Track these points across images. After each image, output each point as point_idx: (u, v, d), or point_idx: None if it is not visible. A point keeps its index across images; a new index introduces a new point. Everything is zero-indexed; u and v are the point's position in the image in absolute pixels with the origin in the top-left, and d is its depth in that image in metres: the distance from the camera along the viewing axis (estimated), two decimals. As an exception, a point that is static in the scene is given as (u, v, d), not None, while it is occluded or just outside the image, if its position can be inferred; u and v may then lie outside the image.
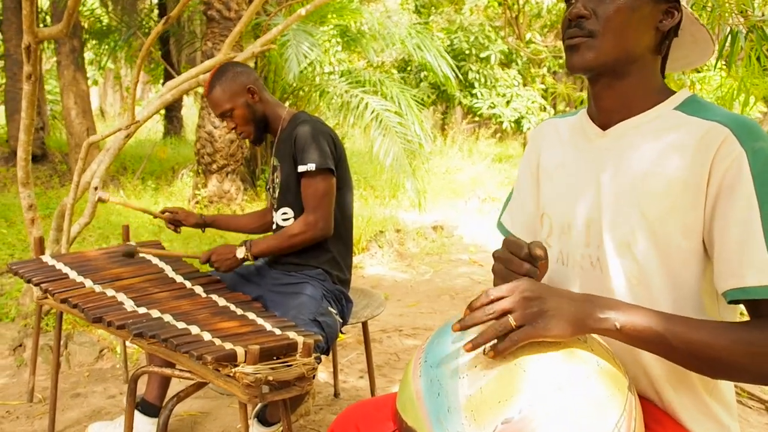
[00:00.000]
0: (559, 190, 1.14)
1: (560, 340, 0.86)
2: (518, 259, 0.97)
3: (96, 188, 3.02)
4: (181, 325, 1.60)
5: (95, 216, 3.10)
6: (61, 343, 2.88)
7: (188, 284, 1.97)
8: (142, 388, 2.33)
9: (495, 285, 0.98)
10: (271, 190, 2.19)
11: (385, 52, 10.78)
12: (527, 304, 0.85)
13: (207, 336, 1.54)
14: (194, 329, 1.57)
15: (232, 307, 1.80)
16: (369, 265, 4.82)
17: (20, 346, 2.92)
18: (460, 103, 10.56)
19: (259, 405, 2.16)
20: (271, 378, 1.43)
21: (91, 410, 2.43)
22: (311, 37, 5.81)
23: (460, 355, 0.90)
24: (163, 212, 2.30)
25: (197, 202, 5.85)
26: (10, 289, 3.34)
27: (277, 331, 1.62)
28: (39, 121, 7.51)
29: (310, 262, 2.03)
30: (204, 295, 1.90)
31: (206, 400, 2.51)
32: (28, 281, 1.97)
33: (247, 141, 3.53)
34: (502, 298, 0.87)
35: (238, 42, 5.81)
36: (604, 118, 1.06)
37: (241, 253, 1.98)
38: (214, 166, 5.81)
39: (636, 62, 1.00)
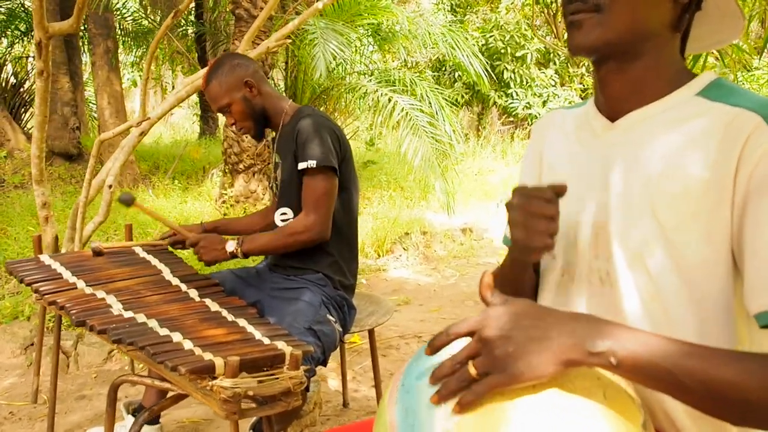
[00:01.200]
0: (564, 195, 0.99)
1: (537, 381, 0.69)
2: (543, 201, 0.84)
3: (110, 186, 2.97)
4: (164, 331, 1.51)
5: (111, 215, 3.06)
6: (71, 343, 2.85)
7: (183, 287, 1.88)
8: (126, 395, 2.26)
9: (514, 238, 0.89)
10: (273, 188, 2.09)
11: (419, 52, 10.66)
12: (490, 346, 0.69)
13: (188, 344, 1.44)
14: (176, 337, 1.48)
15: (225, 312, 1.70)
16: (392, 268, 4.70)
17: (32, 345, 2.89)
18: (495, 103, 10.34)
19: (255, 417, 2.06)
20: (251, 393, 1.32)
21: (93, 414, 2.38)
22: (340, 36, 5.72)
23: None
24: (162, 238, 2.16)
25: (224, 202, 5.83)
26: (24, 288, 3.33)
27: (266, 341, 1.51)
28: (76, 120, 7.64)
29: (310, 266, 1.92)
30: (198, 299, 1.80)
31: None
32: (21, 281, 1.91)
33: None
34: (463, 335, 0.73)
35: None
36: (612, 108, 0.92)
37: (231, 246, 1.89)
38: (241, 166, 5.78)
39: (650, 40, 0.85)
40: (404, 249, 4.96)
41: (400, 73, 6.74)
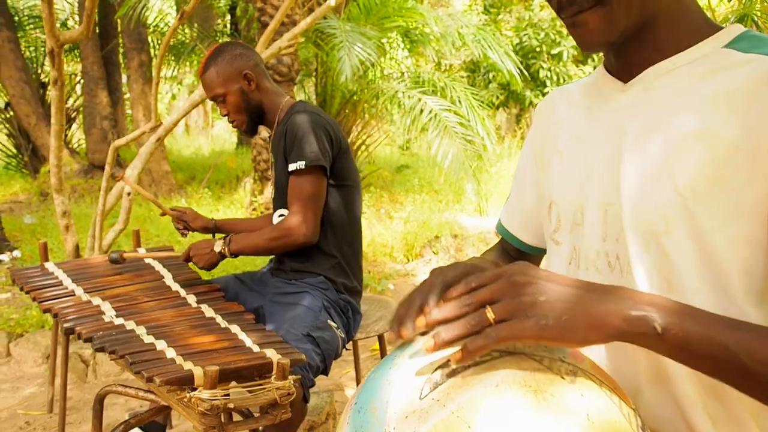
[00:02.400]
0: (569, 171, 0.87)
1: (566, 345, 0.60)
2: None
3: (129, 194, 2.96)
4: (149, 339, 1.44)
5: (130, 222, 3.06)
6: (90, 352, 2.84)
7: (183, 293, 1.82)
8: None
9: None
10: (272, 188, 2.01)
11: (452, 54, 10.52)
12: (517, 290, 0.59)
13: (171, 353, 1.36)
14: (161, 344, 1.41)
15: (219, 319, 1.63)
16: (422, 273, 4.57)
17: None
18: (531, 103, 10.10)
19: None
20: (231, 405, 1.23)
21: (106, 423, 2.34)
22: (367, 40, 5.66)
23: (390, 398, 0.66)
24: (172, 209, 2.15)
25: (254, 209, 5.82)
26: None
27: (255, 349, 1.42)
28: (115, 134, 7.80)
29: (311, 269, 1.82)
30: (195, 305, 1.74)
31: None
32: (21, 288, 1.89)
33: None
34: (485, 285, 0.61)
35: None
36: (625, 68, 0.80)
37: (218, 247, 1.83)
38: (270, 173, 5.77)
39: (663, 9, 0.74)
40: (434, 253, 4.83)
41: (430, 75, 6.63)
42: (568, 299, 0.58)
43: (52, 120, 2.75)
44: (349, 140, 7.00)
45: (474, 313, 0.59)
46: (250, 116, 1.88)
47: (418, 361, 0.65)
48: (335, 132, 1.81)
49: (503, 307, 0.58)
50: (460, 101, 6.19)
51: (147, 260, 2.03)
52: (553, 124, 0.93)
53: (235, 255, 1.82)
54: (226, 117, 1.92)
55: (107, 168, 2.86)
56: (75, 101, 9.14)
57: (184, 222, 2.12)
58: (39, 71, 8.84)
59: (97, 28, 8.48)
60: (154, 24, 8.38)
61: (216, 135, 15.21)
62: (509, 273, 0.61)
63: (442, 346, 0.59)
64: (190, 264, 1.94)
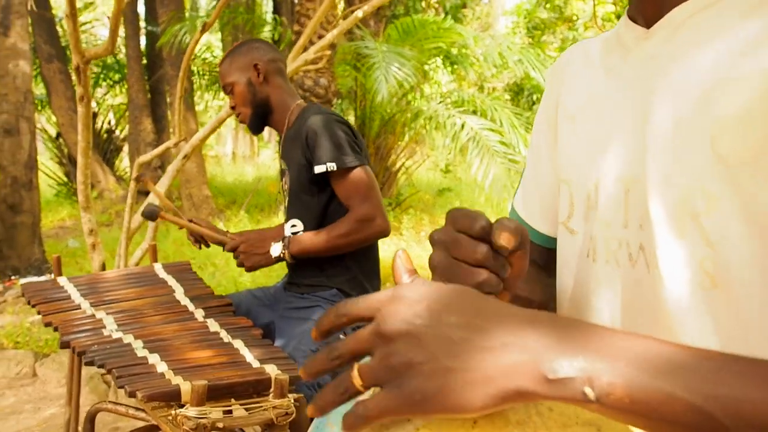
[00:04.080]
0: (582, 140, 0.71)
1: (458, 416, 0.40)
2: (469, 240, 0.52)
3: (137, 179, 2.89)
4: (143, 353, 1.33)
5: (158, 241, 3.00)
6: (112, 372, 2.77)
7: (191, 307, 1.71)
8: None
9: (435, 268, 0.54)
10: (283, 196, 1.90)
11: (496, 76, 10.41)
12: (388, 346, 0.40)
13: (162, 367, 1.25)
14: (153, 359, 1.29)
15: (223, 333, 1.51)
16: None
17: (77, 374, 2.84)
18: (576, 123, 9.85)
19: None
20: (220, 424, 1.10)
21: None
22: (405, 60, 5.59)
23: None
24: (189, 221, 2.04)
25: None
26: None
27: (255, 364, 1.29)
28: (159, 160, 7.94)
29: (324, 283, 1.69)
30: (201, 319, 1.63)
31: None
32: (28, 302, 1.82)
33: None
34: (356, 320, 0.43)
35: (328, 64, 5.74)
36: (650, 11, 0.64)
37: (276, 250, 1.68)
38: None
39: None
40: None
41: (471, 96, 6.51)
42: (462, 351, 0.38)
43: (79, 137, 2.73)
44: (388, 163, 6.92)
45: (341, 376, 0.42)
46: (255, 110, 1.79)
47: None
48: (357, 133, 1.71)
49: (370, 370, 0.41)
50: (501, 122, 6.03)
51: (162, 275, 1.94)
52: (565, 86, 0.77)
53: (295, 258, 1.68)
54: (233, 110, 1.85)
55: (132, 185, 2.82)
56: (122, 130, 9.41)
57: (200, 235, 2.01)
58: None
59: (144, 58, 8.75)
60: (197, 52, 8.57)
61: (261, 163, 15.45)
62: (382, 311, 0.41)
63: (320, 413, 0.43)
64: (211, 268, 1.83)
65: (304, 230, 1.73)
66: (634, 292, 0.63)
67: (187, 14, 7.30)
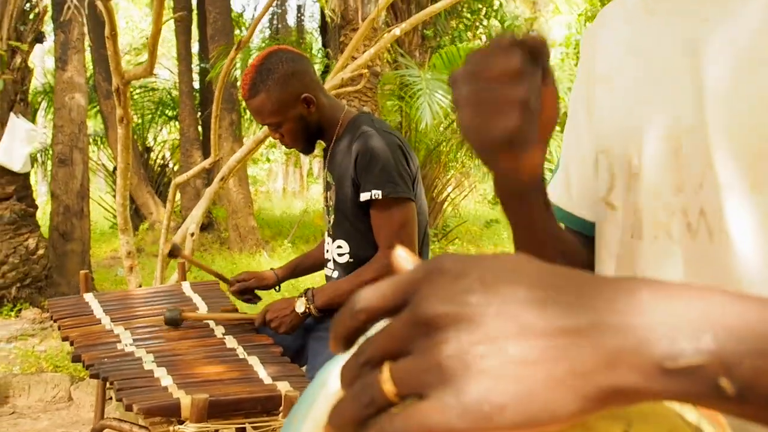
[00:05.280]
0: (621, 100, 0.60)
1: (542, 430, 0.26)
2: (501, 50, 0.43)
3: (192, 234, 2.89)
4: (150, 366, 1.26)
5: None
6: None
7: (212, 324, 1.64)
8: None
9: (462, 126, 0.46)
10: (325, 212, 1.79)
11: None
12: (438, 331, 0.27)
13: (167, 381, 1.16)
14: (159, 372, 1.21)
15: (240, 350, 1.43)
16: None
17: (110, 399, 2.81)
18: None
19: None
20: (222, 443, 1.00)
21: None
22: (449, 87, 5.54)
23: None
24: (231, 284, 1.86)
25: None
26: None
27: (268, 381, 1.19)
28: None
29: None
30: (220, 335, 1.55)
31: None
32: (51, 317, 1.79)
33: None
34: (380, 313, 0.30)
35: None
36: None
37: (301, 306, 1.56)
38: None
39: None
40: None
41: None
42: (527, 338, 0.26)
43: (119, 158, 2.75)
44: (434, 193, 6.82)
45: (363, 380, 0.28)
46: (309, 140, 1.66)
47: None
48: (410, 154, 1.60)
49: (407, 372, 0.27)
50: (551, 151, 5.88)
51: (188, 293, 1.88)
52: (600, 49, 0.66)
53: (321, 311, 1.58)
54: (279, 140, 1.73)
55: (168, 206, 2.82)
56: (175, 164, 9.67)
57: (250, 290, 1.86)
58: (145, 135, 9.47)
59: (197, 94, 9.02)
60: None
61: (310, 197, 15.63)
62: (420, 288, 0.28)
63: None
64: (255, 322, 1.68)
65: (350, 253, 1.62)
66: (697, 269, 0.50)
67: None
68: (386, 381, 0.27)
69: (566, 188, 0.71)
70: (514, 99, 0.42)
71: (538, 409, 0.25)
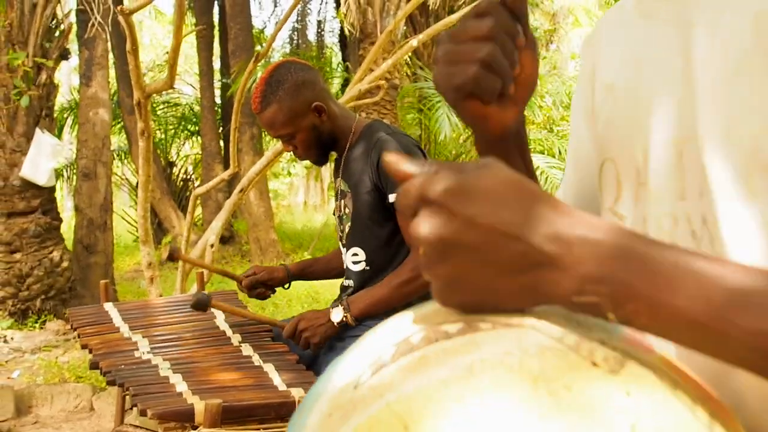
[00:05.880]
0: (624, 108, 0.60)
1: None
2: (474, 19, 0.48)
3: (212, 245, 2.92)
4: (166, 373, 1.26)
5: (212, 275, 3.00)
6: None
7: (229, 332, 1.64)
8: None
9: (433, 79, 0.53)
10: (338, 221, 1.79)
11: (566, 119, 10.19)
12: (442, 205, 0.36)
13: (182, 387, 1.17)
14: (175, 378, 1.22)
15: (256, 357, 1.43)
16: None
17: (132, 407, 2.82)
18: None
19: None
20: (235, 448, 1.00)
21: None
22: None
23: (326, 388, 0.40)
24: (240, 281, 1.85)
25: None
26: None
27: (282, 387, 1.19)
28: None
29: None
30: (236, 344, 1.55)
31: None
32: (71, 327, 1.81)
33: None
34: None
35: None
36: None
37: (337, 315, 1.53)
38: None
39: None
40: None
41: (535, 135, 6.37)
42: (500, 248, 0.35)
43: (140, 171, 2.79)
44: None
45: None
46: (322, 149, 1.66)
47: (384, 336, 0.41)
48: (427, 157, 1.61)
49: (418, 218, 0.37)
50: (560, 151, 5.85)
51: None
52: (600, 56, 0.65)
53: (359, 320, 1.54)
54: (293, 152, 1.73)
55: (188, 217, 2.84)
56: (197, 178, 9.78)
57: (261, 284, 1.85)
58: (168, 150, 9.61)
59: (219, 109, 9.15)
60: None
61: (331, 210, 15.71)
62: (429, 178, 0.37)
63: None
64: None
65: (367, 260, 1.61)
66: None
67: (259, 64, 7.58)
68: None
69: (574, 200, 0.71)
70: (474, 56, 0.47)
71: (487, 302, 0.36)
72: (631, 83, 0.58)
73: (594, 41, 0.68)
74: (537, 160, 5.53)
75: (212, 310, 1.83)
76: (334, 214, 1.86)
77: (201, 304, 1.55)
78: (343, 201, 1.74)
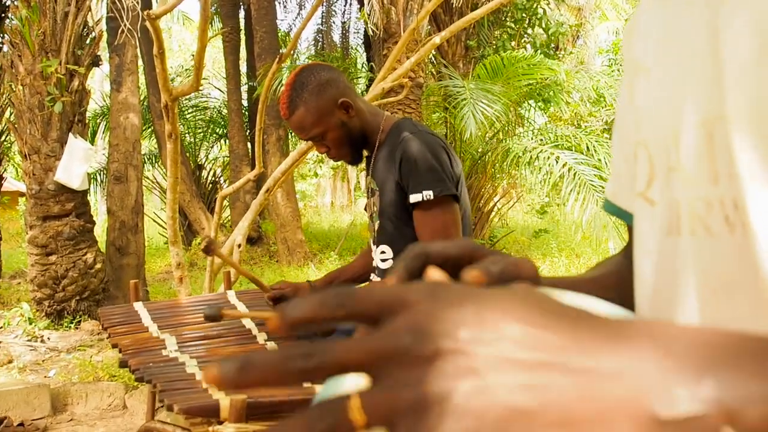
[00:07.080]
0: (658, 89, 0.58)
1: None
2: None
3: (239, 246, 2.95)
4: (192, 370, 1.28)
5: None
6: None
7: (254, 331, 1.66)
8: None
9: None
10: (369, 219, 1.80)
11: (594, 115, 10.05)
12: (401, 364, 0.25)
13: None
14: (201, 375, 1.23)
15: (281, 355, 1.44)
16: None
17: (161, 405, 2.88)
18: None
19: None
20: (259, 444, 1.01)
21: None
22: (492, 96, 5.50)
23: None
24: (267, 291, 1.89)
25: (381, 274, 5.72)
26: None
27: (306, 384, 1.20)
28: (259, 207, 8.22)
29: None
30: (262, 342, 1.57)
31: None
32: (102, 326, 1.85)
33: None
34: (363, 315, 0.28)
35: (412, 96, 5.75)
36: None
37: None
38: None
39: None
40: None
41: (562, 131, 6.29)
42: (515, 381, 0.24)
43: (168, 173, 2.84)
44: (480, 203, 6.77)
45: (325, 403, 0.26)
46: (354, 146, 1.67)
47: None
48: (453, 156, 1.60)
49: (379, 403, 0.25)
50: (600, 159, 5.74)
51: (233, 300, 1.91)
52: (639, 39, 0.64)
53: None
54: (326, 154, 1.73)
55: (215, 217, 2.88)
56: (226, 180, 9.91)
57: (286, 298, 1.90)
58: (197, 153, 9.74)
59: (246, 112, 9.25)
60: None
61: (358, 211, 15.75)
62: (417, 300, 0.26)
63: None
64: None
65: (394, 258, 1.63)
66: (738, 269, 0.47)
67: (284, 66, 7.65)
68: (355, 409, 0.25)
69: (621, 185, 0.69)
70: None
71: None
72: (661, 63, 0.57)
73: (633, 22, 0.67)
74: (565, 157, 5.46)
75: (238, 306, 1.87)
76: (365, 210, 1.88)
77: (211, 318, 1.59)
78: (372, 199, 1.74)
